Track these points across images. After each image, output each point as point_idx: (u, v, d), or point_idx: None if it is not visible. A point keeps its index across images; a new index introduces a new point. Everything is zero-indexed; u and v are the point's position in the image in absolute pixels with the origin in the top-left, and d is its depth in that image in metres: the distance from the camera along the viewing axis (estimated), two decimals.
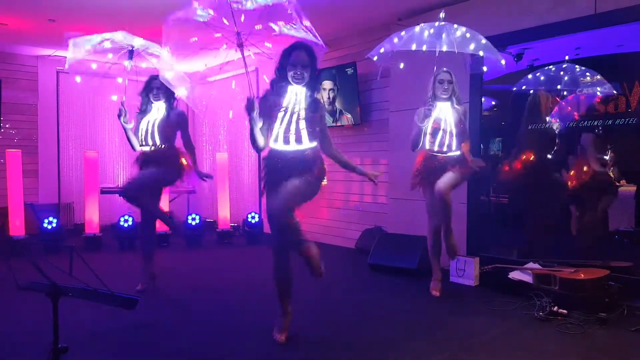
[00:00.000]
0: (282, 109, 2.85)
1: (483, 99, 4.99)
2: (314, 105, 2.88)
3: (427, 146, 3.85)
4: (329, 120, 6.24)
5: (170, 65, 3.91)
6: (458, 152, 3.84)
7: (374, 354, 2.77)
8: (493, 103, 5.29)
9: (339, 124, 6.24)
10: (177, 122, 4.14)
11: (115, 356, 2.79)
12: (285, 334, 2.93)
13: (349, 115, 6.11)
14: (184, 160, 4.16)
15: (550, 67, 4.77)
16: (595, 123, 4.50)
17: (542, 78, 4.81)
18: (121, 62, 4.07)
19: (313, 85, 2.89)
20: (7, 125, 7.06)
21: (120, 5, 5.15)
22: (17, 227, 5.66)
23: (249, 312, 3.55)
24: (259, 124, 2.84)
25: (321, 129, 2.93)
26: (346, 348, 2.87)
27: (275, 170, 2.88)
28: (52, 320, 1.86)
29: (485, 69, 3.89)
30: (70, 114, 7.60)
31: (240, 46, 2.88)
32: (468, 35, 3.67)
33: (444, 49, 3.63)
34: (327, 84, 6.26)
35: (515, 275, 3.90)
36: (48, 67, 7.35)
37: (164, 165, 4.05)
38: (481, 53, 3.64)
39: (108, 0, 5.01)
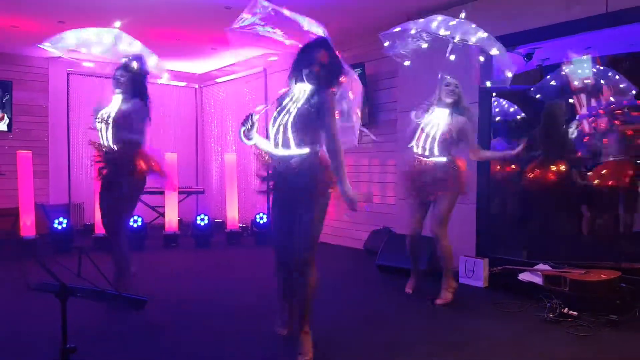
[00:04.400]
0: (278, 108, 2.64)
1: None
2: (312, 102, 2.54)
3: (414, 148, 3.84)
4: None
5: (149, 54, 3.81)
6: (443, 158, 3.73)
7: (381, 355, 2.75)
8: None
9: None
10: (135, 115, 3.55)
11: (124, 356, 2.80)
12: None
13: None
14: (142, 164, 3.57)
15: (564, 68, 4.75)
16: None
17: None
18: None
19: (324, 84, 2.58)
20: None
21: (129, 6, 5.18)
22: (27, 227, 5.71)
23: (257, 313, 3.55)
24: (254, 139, 2.65)
25: (323, 125, 2.52)
26: (353, 349, 2.85)
27: (273, 178, 2.67)
28: (60, 320, 1.87)
29: (489, 84, 3.83)
30: (80, 115, 7.64)
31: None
32: (486, 36, 3.59)
33: (472, 40, 3.56)
34: None
35: (525, 276, 3.86)
36: (58, 69, 7.40)
37: (119, 176, 3.54)
38: (495, 51, 3.56)
39: (117, 1, 5.03)
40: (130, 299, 1.75)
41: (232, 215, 6.65)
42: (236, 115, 8.12)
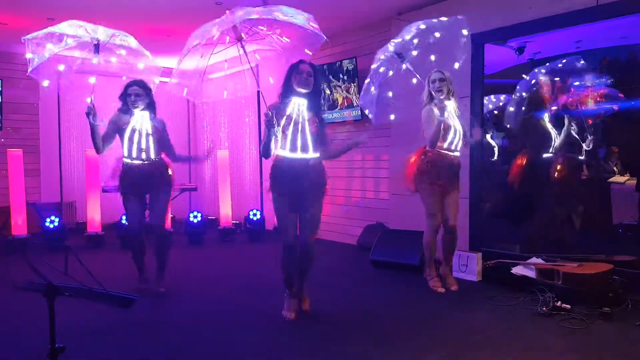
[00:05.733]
0: (285, 117, 3.10)
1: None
2: (318, 117, 3.21)
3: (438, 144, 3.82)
4: (330, 115, 6.21)
5: (140, 55, 3.94)
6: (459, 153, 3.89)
7: (375, 350, 2.75)
8: None
9: (339, 119, 6.21)
10: (165, 131, 4.08)
11: (113, 356, 2.77)
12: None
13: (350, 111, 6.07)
14: (170, 172, 4.09)
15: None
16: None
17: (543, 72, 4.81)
18: (88, 59, 3.82)
19: (315, 97, 3.19)
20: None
21: (119, 1, 5.13)
22: (19, 226, 5.67)
23: (250, 310, 3.54)
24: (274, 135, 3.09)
25: (325, 134, 3.26)
26: (347, 344, 2.85)
27: (284, 177, 3.13)
28: (48, 320, 1.84)
29: (465, 32, 3.71)
30: (71, 113, 7.58)
31: (240, 39, 3.11)
32: (415, 29, 3.68)
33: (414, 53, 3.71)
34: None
35: (518, 270, 3.87)
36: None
37: (162, 184, 3.99)
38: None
39: None
40: (118, 297, 1.73)
41: (226, 212, 6.62)
42: (229, 111, 8.08)
